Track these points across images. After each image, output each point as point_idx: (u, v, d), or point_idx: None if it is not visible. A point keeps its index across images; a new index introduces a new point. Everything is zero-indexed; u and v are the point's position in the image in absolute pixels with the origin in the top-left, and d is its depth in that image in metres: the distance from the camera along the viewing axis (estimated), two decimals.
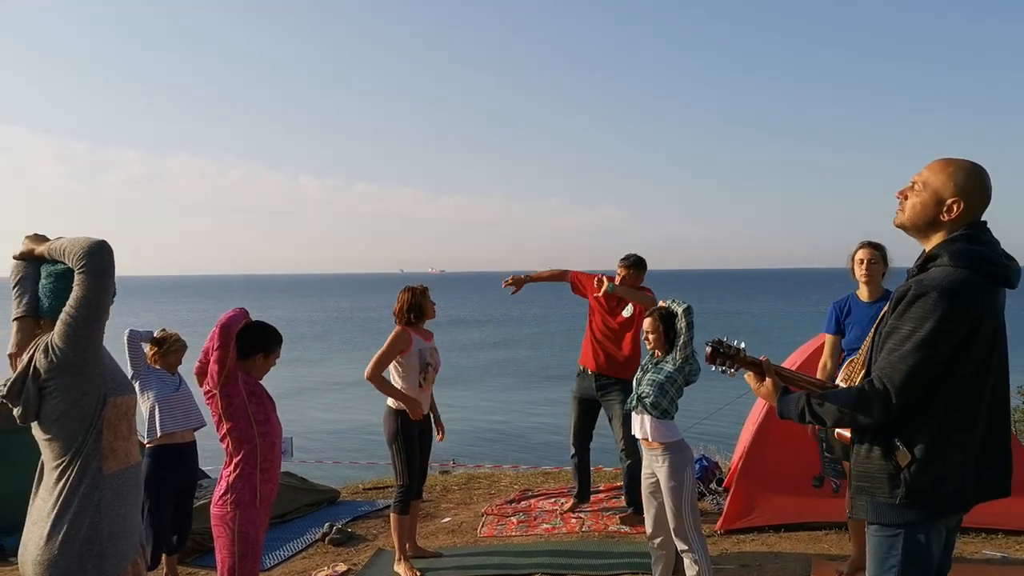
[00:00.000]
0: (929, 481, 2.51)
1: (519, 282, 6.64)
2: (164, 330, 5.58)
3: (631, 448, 6.18)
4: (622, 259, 6.48)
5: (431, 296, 5.68)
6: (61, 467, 2.70)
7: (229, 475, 3.79)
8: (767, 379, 2.82)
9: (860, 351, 3.01)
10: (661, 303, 4.76)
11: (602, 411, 6.54)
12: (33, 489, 2.78)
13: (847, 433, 2.88)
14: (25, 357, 2.72)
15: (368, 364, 5.37)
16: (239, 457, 3.78)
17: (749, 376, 2.86)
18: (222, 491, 3.79)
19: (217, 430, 3.85)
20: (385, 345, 5.45)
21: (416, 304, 5.55)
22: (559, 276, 6.76)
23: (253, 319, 3.93)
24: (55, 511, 2.67)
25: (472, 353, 33.19)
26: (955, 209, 2.58)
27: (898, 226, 2.73)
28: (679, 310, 4.54)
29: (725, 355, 2.86)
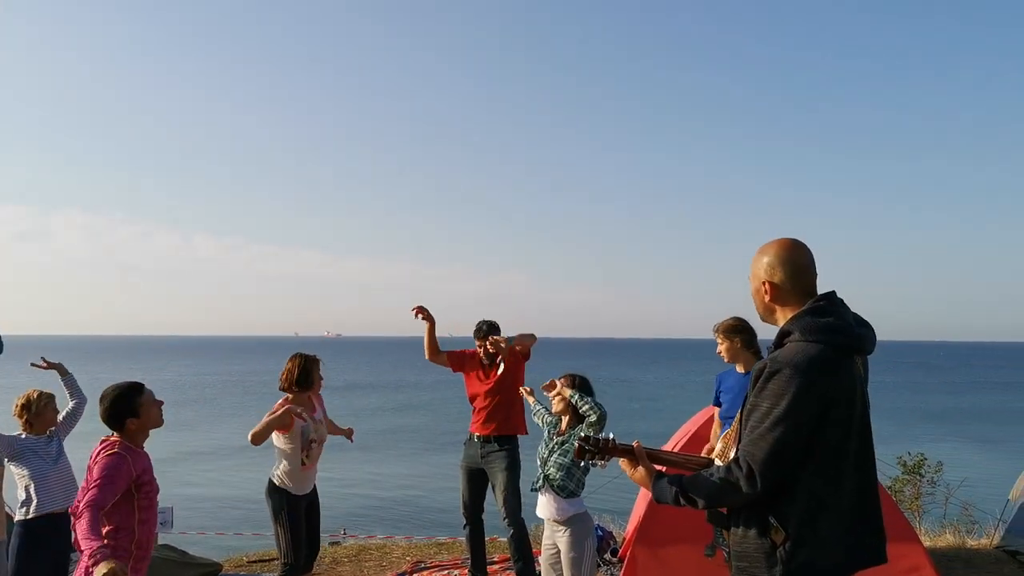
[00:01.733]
0: (805, 556, 2.52)
1: (426, 314, 6.42)
2: (29, 393, 5.26)
3: (512, 517, 6.14)
4: (475, 331, 6.45)
5: (321, 368, 5.54)
6: None
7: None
8: (639, 466, 2.80)
9: (733, 424, 3.05)
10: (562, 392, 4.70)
11: None
12: None
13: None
14: None
15: (249, 433, 5.17)
16: (113, 541, 3.59)
17: (623, 462, 2.83)
18: (88, 567, 3.54)
19: None
20: (264, 420, 5.22)
21: (304, 371, 5.42)
22: (434, 352, 6.62)
23: (112, 386, 3.79)
24: None
25: (367, 419, 32.60)
26: (767, 290, 2.69)
27: (761, 320, 2.84)
28: (582, 407, 4.48)
29: (592, 451, 2.84)
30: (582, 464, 2.90)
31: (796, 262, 2.68)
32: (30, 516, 4.97)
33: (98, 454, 3.64)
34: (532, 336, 6.31)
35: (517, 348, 6.30)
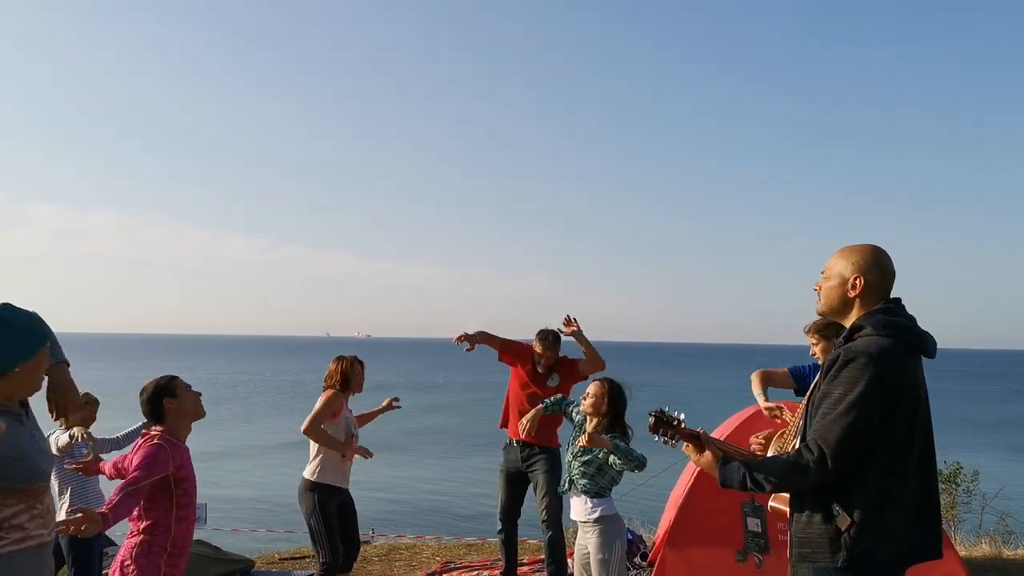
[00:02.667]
0: (867, 544, 2.62)
1: (472, 339, 6.36)
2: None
3: (552, 520, 6.14)
4: (540, 338, 6.31)
5: (362, 371, 5.64)
6: None
7: (134, 548, 3.62)
8: (707, 450, 2.90)
9: (790, 422, 3.14)
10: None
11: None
12: None
13: (780, 507, 2.97)
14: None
15: (304, 420, 5.32)
16: (149, 536, 3.64)
17: (688, 447, 2.93)
18: (125, 563, 3.61)
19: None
20: (320, 404, 5.38)
21: (342, 376, 5.51)
22: (497, 344, 6.54)
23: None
24: None
25: (396, 420, 32.64)
26: (858, 284, 2.82)
27: (819, 313, 3.01)
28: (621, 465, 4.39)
29: (668, 424, 2.92)
30: (656, 439, 2.96)
31: (887, 267, 2.88)
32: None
33: (138, 447, 3.70)
34: (602, 364, 6.18)
35: (580, 371, 6.26)
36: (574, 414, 4.82)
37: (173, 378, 3.90)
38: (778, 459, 2.75)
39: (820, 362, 5.24)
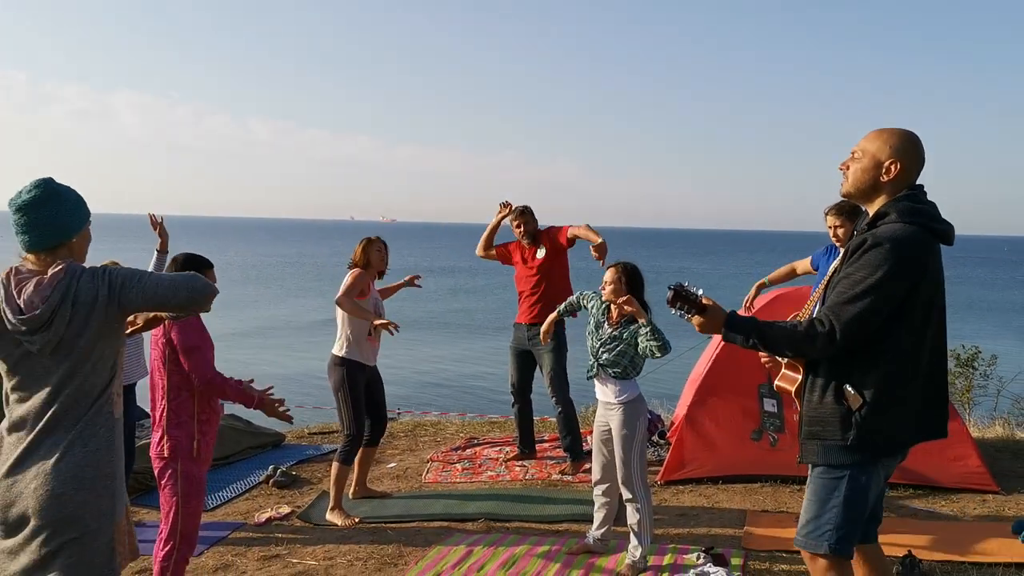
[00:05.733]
0: (877, 424, 2.71)
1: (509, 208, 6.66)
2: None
3: (559, 395, 6.40)
4: (513, 216, 6.63)
5: (386, 250, 5.78)
6: (84, 406, 2.58)
7: (164, 421, 3.78)
8: (712, 306, 2.89)
9: (807, 303, 3.16)
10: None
11: None
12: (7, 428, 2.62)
13: (785, 386, 3.02)
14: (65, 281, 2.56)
15: (338, 291, 5.48)
16: (175, 403, 3.78)
17: (696, 318, 2.91)
18: (159, 436, 3.79)
19: (154, 373, 3.85)
20: (349, 279, 5.52)
21: (363, 256, 5.65)
22: (486, 247, 6.93)
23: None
24: (74, 447, 2.54)
25: (421, 302, 33.02)
26: (893, 170, 2.79)
27: (844, 195, 2.98)
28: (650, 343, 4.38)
29: (686, 299, 2.91)
30: (673, 312, 2.94)
31: (922, 155, 2.85)
32: None
33: (172, 323, 3.75)
34: (595, 235, 6.19)
35: (561, 239, 6.45)
36: (587, 303, 4.79)
37: (209, 264, 3.97)
38: (788, 325, 2.79)
39: (837, 245, 5.22)
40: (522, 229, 6.59)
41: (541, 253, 6.56)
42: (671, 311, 2.97)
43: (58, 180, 2.73)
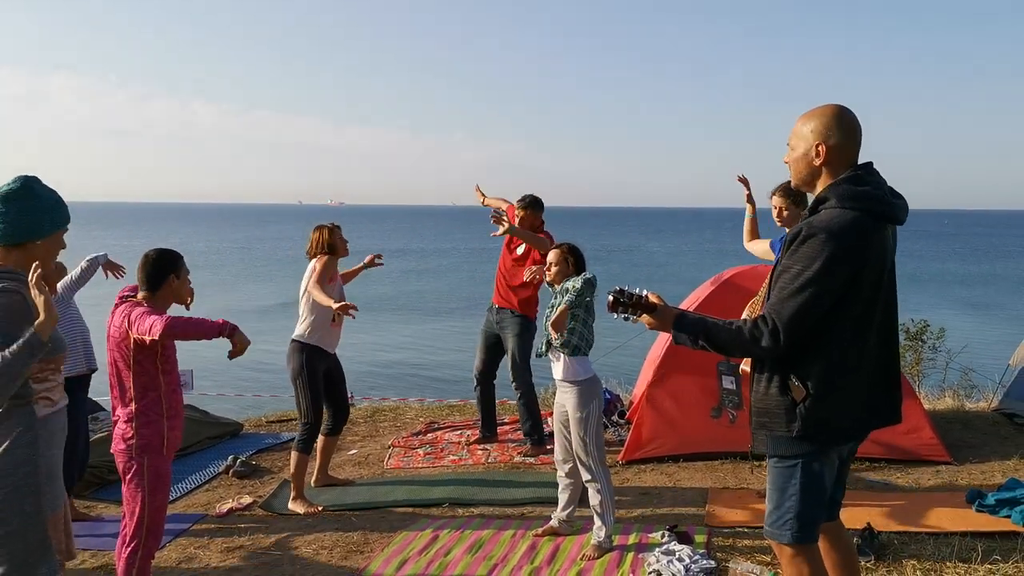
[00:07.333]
0: (822, 414, 2.69)
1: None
2: None
3: (519, 380, 6.49)
4: (519, 200, 6.63)
5: (342, 233, 5.72)
6: None
7: (134, 421, 3.68)
8: (661, 305, 2.86)
9: (759, 291, 3.17)
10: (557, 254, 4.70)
11: None
12: None
13: (747, 368, 3.04)
14: None
15: (306, 279, 5.46)
16: (144, 403, 3.68)
17: (645, 317, 2.88)
18: (127, 435, 3.68)
19: (115, 370, 3.73)
20: (320, 266, 5.43)
21: (328, 243, 5.56)
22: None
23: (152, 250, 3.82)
24: None
25: (374, 285, 32.79)
26: (822, 152, 2.73)
27: (795, 188, 2.93)
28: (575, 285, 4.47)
29: (627, 304, 2.88)
30: (615, 316, 2.91)
31: (851, 126, 2.75)
32: None
33: (127, 311, 3.64)
34: (545, 245, 6.12)
35: (535, 254, 6.40)
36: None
37: (182, 257, 3.87)
38: (733, 326, 2.74)
39: (780, 225, 5.11)
40: (517, 221, 6.52)
41: (521, 250, 6.59)
42: (613, 316, 2.93)
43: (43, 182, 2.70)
